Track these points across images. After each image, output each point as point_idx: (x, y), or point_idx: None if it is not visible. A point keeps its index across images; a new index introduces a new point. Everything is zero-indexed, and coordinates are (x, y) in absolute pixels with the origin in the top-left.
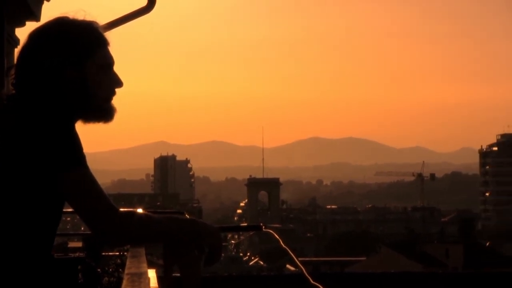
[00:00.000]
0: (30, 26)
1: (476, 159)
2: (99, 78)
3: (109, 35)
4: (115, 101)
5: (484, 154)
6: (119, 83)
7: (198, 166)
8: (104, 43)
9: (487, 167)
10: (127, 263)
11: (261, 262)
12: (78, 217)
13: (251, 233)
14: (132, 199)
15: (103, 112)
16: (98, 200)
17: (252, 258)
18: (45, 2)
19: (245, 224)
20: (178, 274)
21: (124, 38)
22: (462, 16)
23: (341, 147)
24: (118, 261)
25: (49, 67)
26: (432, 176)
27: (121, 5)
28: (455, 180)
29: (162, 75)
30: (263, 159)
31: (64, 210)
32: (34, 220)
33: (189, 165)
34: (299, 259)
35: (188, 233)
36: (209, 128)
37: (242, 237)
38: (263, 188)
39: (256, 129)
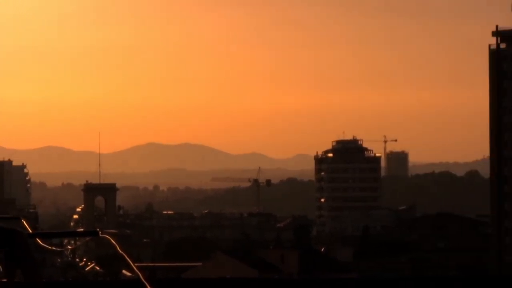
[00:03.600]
0: None
1: (311, 165)
2: None
3: None
4: None
5: (319, 161)
6: None
7: (34, 171)
8: None
9: (322, 173)
10: None
11: (98, 268)
12: None
13: (88, 238)
14: None
15: None
16: None
17: (89, 263)
18: None
19: (82, 230)
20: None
21: None
22: (300, 24)
23: (178, 152)
24: None
25: None
26: (268, 182)
27: None
28: (291, 186)
29: None
30: (99, 164)
31: None
32: None
33: (25, 170)
34: (136, 264)
35: None
36: (45, 133)
37: (78, 243)
38: (99, 193)
39: (93, 134)
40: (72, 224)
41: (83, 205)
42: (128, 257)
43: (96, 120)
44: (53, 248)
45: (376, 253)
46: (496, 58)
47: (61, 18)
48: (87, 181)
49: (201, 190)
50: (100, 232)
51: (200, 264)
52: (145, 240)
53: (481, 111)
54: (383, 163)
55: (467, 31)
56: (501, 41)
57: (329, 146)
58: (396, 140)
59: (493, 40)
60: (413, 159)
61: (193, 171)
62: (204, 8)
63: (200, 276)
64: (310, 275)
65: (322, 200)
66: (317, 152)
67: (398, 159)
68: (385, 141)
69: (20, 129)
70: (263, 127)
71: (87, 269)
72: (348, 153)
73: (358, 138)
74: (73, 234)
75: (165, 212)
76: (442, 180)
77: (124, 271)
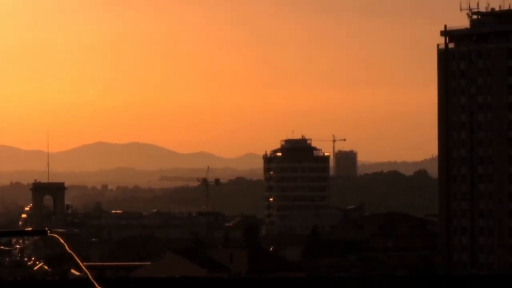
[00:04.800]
0: None
1: (260, 164)
2: None
3: None
4: None
5: (268, 160)
6: None
7: None
8: None
9: (271, 172)
10: None
11: (46, 267)
12: None
13: (36, 237)
14: None
15: None
16: None
17: (37, 263)
18: None
19: (30, 229)
20: None
21: None
22: (250, 22)
23: (126, 152)
24: None
25: None
26: (217, 181)
27: None
28: (240, 185)
29: None
30: (48, 163)
31: None
32: None
33: None
34: (84, 263)
35: None
36: None
37: (26, 242)
38: (48, 192)
39: (41, 133)
40: (20, 223)
41: (31, 204)
42: (76, 256)
43: (44, 119)
44: (1, 247)
45: (325, 252)
46: (445, 58)
47: (4, 16)
48: (35, 180)
49: (150, 189)
50: (48, 231)
51: (149, 263)
52: (93, 239)
53: (429, 110)
54: (332, 162)
55: (416, 31)
56: (450, 41)
57: (278, 146)
58: (345, 140)
59: (441, 40)
60: (361, 158)
61: (142, 170)
62: (155, 7)
63: (149, 276)
64: (259, 275)
65: (271, 199)
66: (266, 152)
67: (347, 158)
68: (334, 141)
69: None
70: (212, 126)
71: (35, 268)
72: (297, 152)
73: (307, 137)
74: (22, 234)
75: (113, 211)
76: (390, 179)
77: (72, 271)
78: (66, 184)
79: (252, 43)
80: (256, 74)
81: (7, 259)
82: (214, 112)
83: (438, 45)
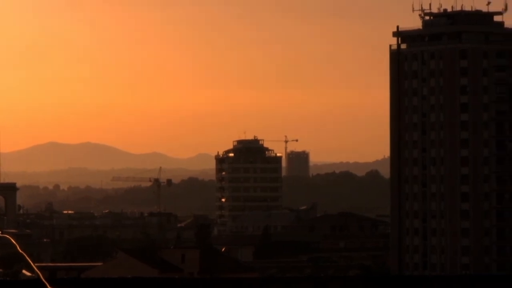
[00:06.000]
0: None
1: (213, 165)
2: None
3: None
4: None
5: (220, 160)
6: None
7: None
8: None
9: (223, 173)
10: None
11: None
12: None
13: None
14: None
15: None
16: None
17: None
18: None
19: None
20: None
21: None
22: (201, 24)
23: (79, 152)
24: None
25: None
26: (169, 181)
27: None
28: (192, 185)
29: None
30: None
31: None
32: None
33: None
34: (36, 264)
35: None
36: None
37: None
38: None
39: None
40: None
41: None
42: (28, 256)
43: None
44: None
45: (277, 253)
46: (397, 59)
47: None
48: None
49: (102, 190)
50: (0, 232)
51: (100, 264)
52: (45, 239)
53: (382, 111)
54: (284, 163)
55: (368, 31)
56: (402, 42)
57: (230, 146)
58: (297, 140)
59: (394, 41)
60: (314, 159)
61: (94, 170)
62: (111, 9)
63: (101, 276)
64: (210, 275)
65: (223, 199)
66: (218, 152)
67: (299, 159)
68: (286, 141)
69: None
70: (164, 127)
71: None
72: (249, 153)
73: (259, 138)
74: None
75: (65, 211)
76: (342, 180)
77: (24, 271)
78: (17, 185)
79: (204, 45)
80: (209, 75)
81: None
82: (167, 112)
83: (390, 45)
